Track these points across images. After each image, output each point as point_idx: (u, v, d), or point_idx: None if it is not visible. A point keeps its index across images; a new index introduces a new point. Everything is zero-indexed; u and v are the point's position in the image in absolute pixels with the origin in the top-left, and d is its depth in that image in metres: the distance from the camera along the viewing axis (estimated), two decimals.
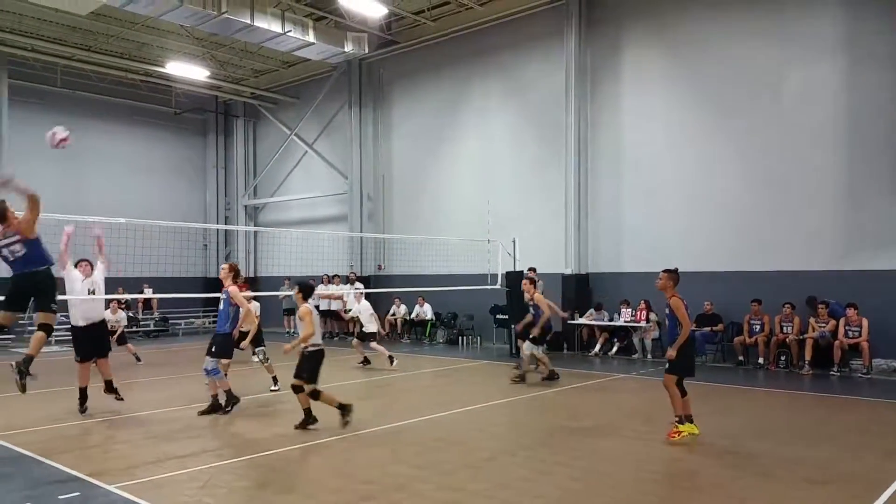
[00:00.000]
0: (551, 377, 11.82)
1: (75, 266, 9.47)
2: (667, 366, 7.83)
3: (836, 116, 13.71)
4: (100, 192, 22.94)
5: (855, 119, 13.49)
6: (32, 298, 7.35)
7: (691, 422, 7.75)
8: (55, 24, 19.48)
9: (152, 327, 22.19)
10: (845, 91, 13.62)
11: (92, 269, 9.61)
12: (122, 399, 9.52)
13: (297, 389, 8.25)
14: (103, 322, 9.61)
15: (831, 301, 13.07)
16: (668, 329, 8.09)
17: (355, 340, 14.23)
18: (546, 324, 11.97)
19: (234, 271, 9.49)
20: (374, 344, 13.78)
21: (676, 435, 7.54)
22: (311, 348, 8.25)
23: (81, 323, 9.23)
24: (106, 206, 20.42)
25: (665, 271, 7.98)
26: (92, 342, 9.24)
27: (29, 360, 6.97)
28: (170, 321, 22.63)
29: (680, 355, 7.66)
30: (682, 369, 7.73)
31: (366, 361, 14.01)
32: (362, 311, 14.08)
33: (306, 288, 8.44)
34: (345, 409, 8.29)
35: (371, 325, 13.95)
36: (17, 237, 7.26)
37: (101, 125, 23.77)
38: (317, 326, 8.30)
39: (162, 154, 25.57)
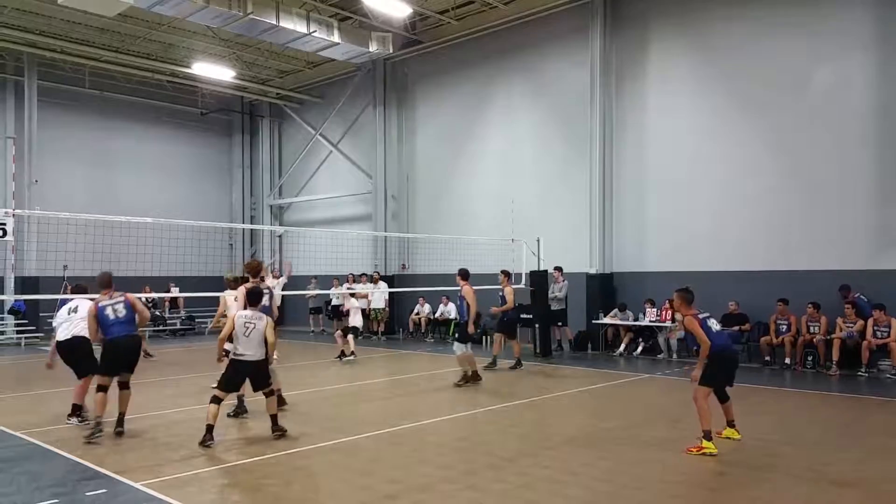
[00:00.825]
0: (474, 378, 11.49)
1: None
2: (699, 379, 7.46)
3: (866, 113, 13.47)
4: (128, 192, 23.31)
5: (886, 116, 13.24)
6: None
7: (733, 426, 7.63)
8: (83, 25, 19.80)
9: (179, 326, 22.48)
10: (876, 87, 13.37)
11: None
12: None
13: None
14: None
15: (858, 295, 12.85)
16: (690, 346, 7.93)
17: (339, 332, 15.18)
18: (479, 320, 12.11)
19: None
20: (350, 337, 14.80)
21: (696, 450, 7.11)
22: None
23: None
24: (134, 205, 20.80)
25: (676, 291, 7.80)
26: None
27: (120, 418, 8.03)
28: (196, 320, 22.90)
29: (707, 368, 7.35)
30: (712, 381, 7.40)
31: (342, 355, 14.81)
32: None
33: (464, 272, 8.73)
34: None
35: (356, 320, 15.00)
36: (122, 299, 8.24)
37: (129, 126, 24.13)
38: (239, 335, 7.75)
39: (188, 154, 25.88)
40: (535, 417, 9.23)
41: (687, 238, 15.68)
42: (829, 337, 12.90)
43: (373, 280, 20.19)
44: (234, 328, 7.71)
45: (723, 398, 7.61)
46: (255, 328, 7.73)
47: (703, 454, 7.01)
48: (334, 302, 21.22)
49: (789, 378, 12.50)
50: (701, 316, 7.52)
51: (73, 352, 8.65)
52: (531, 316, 16.16)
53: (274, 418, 7.90)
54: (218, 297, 11.02)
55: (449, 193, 20.74)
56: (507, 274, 13.97)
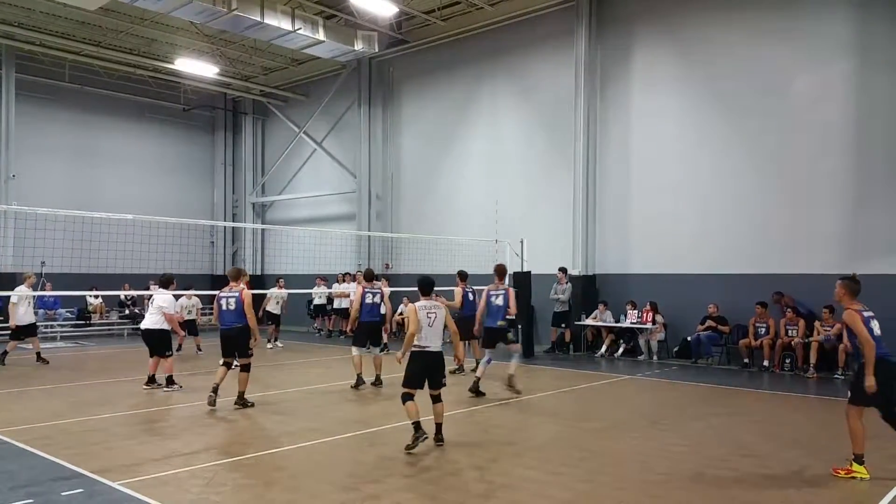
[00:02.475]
0: (357, 383, 11.25)
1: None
2: (849, 395, 6.53)
3: (846, 119, 13.65)
4: (109, 188, 23.07)
5: (865, 122, 13.43)
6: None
7: (861, 463, 6.41)
8: (64, 18, 19.55)
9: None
10: (856, 93, 13.56)
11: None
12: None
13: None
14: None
15: (797, 300, 13.09)
16: (851, 348, 7.03)
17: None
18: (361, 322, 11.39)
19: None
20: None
21: (843, 472, 6.35)
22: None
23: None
24: (115, 201, 20.61)
25: (840, 279, 6.75)
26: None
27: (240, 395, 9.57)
28: None
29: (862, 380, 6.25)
30: (867, 398, 6.27)
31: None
32: None
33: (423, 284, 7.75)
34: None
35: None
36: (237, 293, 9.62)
37: (110, 121, 23.87)
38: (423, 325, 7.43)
39: (170, 151, 25.64)
40: (517, 418, 9.24)
41: (669, 240, 15.79)
42: (807, 340, 13.06)
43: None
44: (418, 321, 7.31)
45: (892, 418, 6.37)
46: (436, 317, 7.46)
47: (853, 478, 6.29)
48: (317, 301, 21.17)
49: (767, 380, 12.64)
50: (866, 314, 6.42)
51: (146, 340, 11.14)
52: (514, 317, 16.16)
53: (439, 427, 7.43)
54: (198, 295, 11.31)
55: (433, 193, 20.73)
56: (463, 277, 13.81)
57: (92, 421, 8.71)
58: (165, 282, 11.48)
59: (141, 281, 18.95)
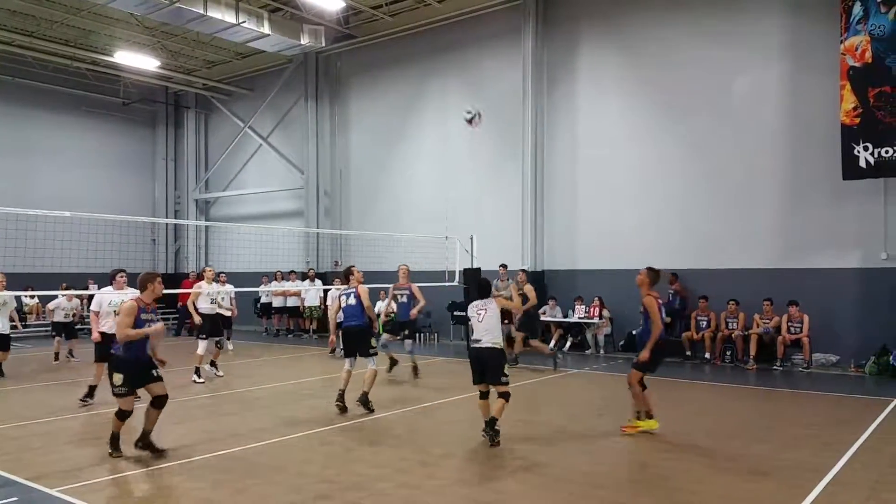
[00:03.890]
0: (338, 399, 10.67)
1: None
2: (634, 361, 8.01)
3: (782, 119, 14.15)
4: (44, 185, 22.20)
5: (797, 123, 13.94)
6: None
7: (651, 417, 7.92)
8: None
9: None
10: (789, 96, 14.05)
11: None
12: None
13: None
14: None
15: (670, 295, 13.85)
16: (642, 327, 8.30)
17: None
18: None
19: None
20: None
21: (632, 430, 7.80)
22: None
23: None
24: (51, 198, 19.83)
25: (647, 268, 8.19)
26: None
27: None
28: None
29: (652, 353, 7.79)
30: (648, 367, 7.85)
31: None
32: None
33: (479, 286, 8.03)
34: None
35: None
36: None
37: (45, 115, 22.99)
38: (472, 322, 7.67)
39: (109, 146, 24.82)
40: (467, 414, 9.28)
41: (615, 237, 16.09)
42: (746, 332, 13.51)
43: (308, 278, 19.91)
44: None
45: (643, 387, 7.95)
46: (486, 313, 7.58)
47: (638, 432, 7.72)
48: (264, 300, 20.88)
49: (709, 372, 13.02)
50: (660, 301, 7.95)
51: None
52: (464, 313, 16.27)
53: (492, 421, 7.40)
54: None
55: (383, 190, 20.65)
56: (525, 272, 13.89)
57: (30, 426, 8.41)
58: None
59: (80, 280, 18.34)
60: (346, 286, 9.85)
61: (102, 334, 9.57)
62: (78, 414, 9.17)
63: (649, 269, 8.20)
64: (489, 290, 7.91)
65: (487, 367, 7.54)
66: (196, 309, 12.15)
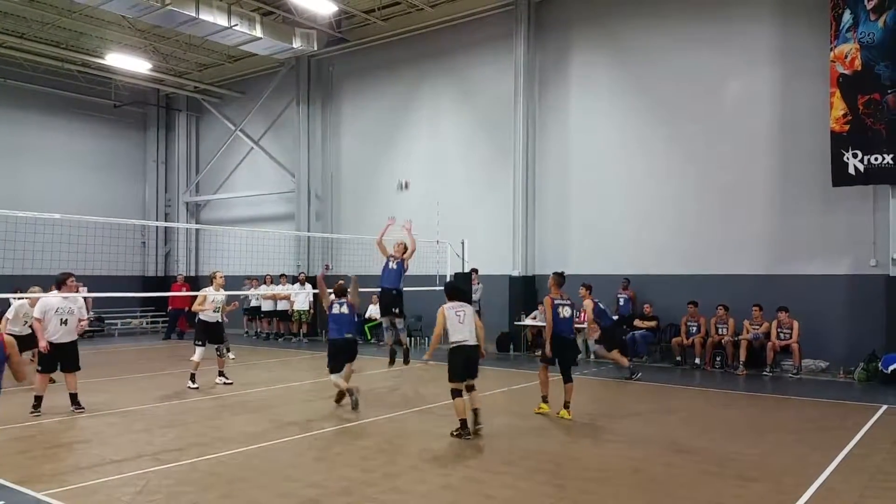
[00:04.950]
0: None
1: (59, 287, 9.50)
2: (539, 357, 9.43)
3: (771, 125, 14.22)
4: (35, 187, 22.05)
5: (788, 129, 14.01)
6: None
7: (545, 401, 9.34)
8: None
9: (87, 328, 21.41)
10: (780, 101, 14.13)
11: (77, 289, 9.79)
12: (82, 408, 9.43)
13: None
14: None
15: (597, 302, 13.46)
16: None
17: None
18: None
19: None
20: None
21: (537, 409, 9.28)
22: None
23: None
24: (41, 200, 19.68)
25: (553, 273, 9.52)
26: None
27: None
28: (105, 321, 21.93)
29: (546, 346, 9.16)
30: (549, 360, 9.22)
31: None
32: None
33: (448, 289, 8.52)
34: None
35: None
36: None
37: (35, 117, 22.86)
38: (453, 323, 8.13)
39: (100, 148, 24.70)
40: (457, 419, 9.26)
41: (606, 241, 16.13)
42: (736, 338, 13.54)
43: (299, 281, 19.84)
44: (444, 321, 8.07)
45: (566, 380, 9.12)
46: (465, 314, 8.17)
47: (542, 413, 9.20)
48: (254, 303, 20.80)
49: (699, 377, 13.04)
50: (557, 302, 9.17)
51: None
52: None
53: (476, 412, 8.01)
54: (129, 298, 10.73)
55: (374, 194, 20.61)
56: (587, 287, 12.92)
57: (15, 430, 8.33)
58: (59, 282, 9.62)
59: None
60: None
61: (49, 344, 9.03)
62: (63, 417, 9.08)
63: (555, 273, 9.54)
64: (463, 294, 8.54)
65: (472, 364, 8.11)
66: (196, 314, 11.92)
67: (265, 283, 20.28)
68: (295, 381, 12.58)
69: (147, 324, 23.50)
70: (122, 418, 9.08)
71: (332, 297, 10.05)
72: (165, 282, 24.11)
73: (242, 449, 7.40)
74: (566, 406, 9.05)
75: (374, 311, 19.03)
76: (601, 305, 12.84)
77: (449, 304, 8.26)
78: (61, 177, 23.12)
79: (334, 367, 9.61)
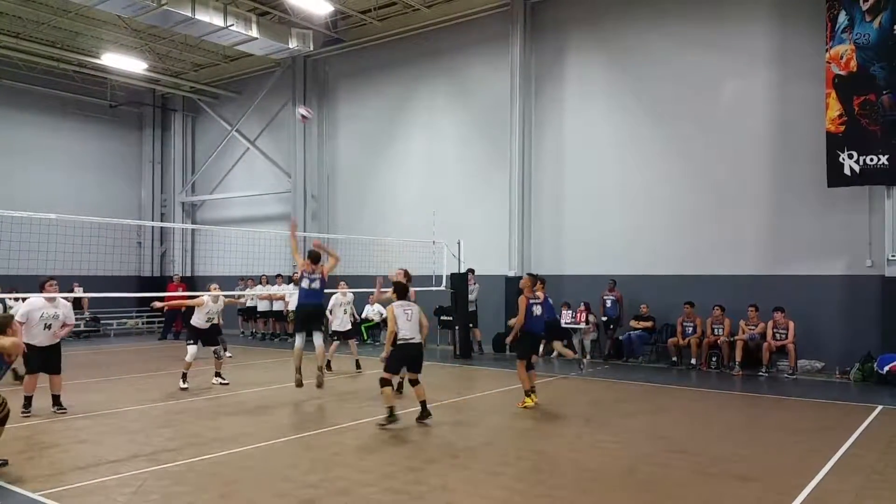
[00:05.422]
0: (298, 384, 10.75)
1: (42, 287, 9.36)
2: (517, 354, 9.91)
3: (768, 127, 14.25)
4: (30, 187, 21.99)
5: (785, 130, 14.05)
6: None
7: (528, 395, 9.68)
8: None
9: (83, 328, 21.39)
10: (777, 103, 14.16)
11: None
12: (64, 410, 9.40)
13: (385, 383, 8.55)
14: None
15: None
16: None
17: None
18: None
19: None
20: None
21: (520, 404, 9.59)
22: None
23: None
24: (36, 200, 19.63)
25: (527, 274, 10.34)
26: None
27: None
28: (101, 321, 21.87)
29: (519, 344, 9.85)
30: (524, 355, 9.84)
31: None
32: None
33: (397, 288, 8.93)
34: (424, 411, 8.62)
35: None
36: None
37: (31, 117, 22.80)
38: (401, 321, 8.61)
39: (96, 148, 24.66)
40: (454, 419, 9.27)
41: (602, 241, 16.14)
42: (732, 338, 13.57)
43: (294, 282, 19.77)
44: (395, 319, 8.52)
45: (528, 368, 9.84)
46: (413, 313, 8.68)
47: (526, 406, 9.54)
48: (249, 303, 20.75)
49: (695, 378, 13.06)
50: (531, 300, 9.70)
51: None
52: (451, 318, 16.29)
53: (423, 404, 8.61)
54: (124, 298, 10.70)
55: (371, 194, 20.62)
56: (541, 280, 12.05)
57: (10, 430, 8.28)
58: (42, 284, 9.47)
59: (64, 283, 18.13)
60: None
61: (33, 346, 8.77)
62: (56, 418, 9.05)
63: (529, 274, 10.33)
64: (407, 293, 9.00)
65: (416, 360, 8.71)
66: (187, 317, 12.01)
67: (261, 283, 20.25)
68: (291, 381, 12.53)
69: (143, 324, 23.45)
70: (119, 418, 9.06)
71: (306, 265, 10.52)
72: (161, 282, 24.05)
73: (239, 449, 7.39)
74: (532, 392, 9.77)
75: (370, 311, 19.06)
76: (550, 301, 12.60)
77: (398, 303, 8.72)
78: (57, 177, 23.06)
79: (301, 329, 10.62)
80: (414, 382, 8.67)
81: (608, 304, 15.39)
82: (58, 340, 9.31)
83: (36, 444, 7.64)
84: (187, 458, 7.03)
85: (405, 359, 8.67)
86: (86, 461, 6.88)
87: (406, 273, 10.38)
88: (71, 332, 11.20)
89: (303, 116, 11.23)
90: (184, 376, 11.31)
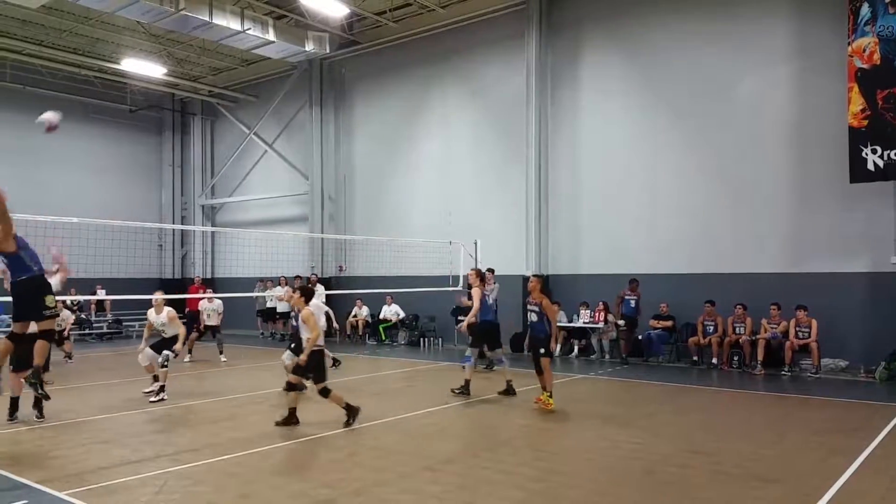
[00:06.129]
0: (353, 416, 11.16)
1: None
2: (542, 352, 9.70)
3: (788, 123, 14.07)
4: (53, 191, 22.30)
5: (806, 126, 13.86)
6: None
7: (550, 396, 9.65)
8: (4, 16, 18.87)
9: (105, 330, 21.66)
10: (797, 98, 13.99)
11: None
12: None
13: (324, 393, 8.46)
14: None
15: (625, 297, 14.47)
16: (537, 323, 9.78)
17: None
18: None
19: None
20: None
21: (539, 401, 9.61)
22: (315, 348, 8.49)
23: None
24: (59, 204, 19.89)
25: (536, 276, 10.24)
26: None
27: (37, 370, 7.12)
28: (123, 323, 22.12)
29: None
30: (552, 353, 10.02)
31: (336, 362, 13.79)
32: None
33: (306, 291, 8.76)
34: (351, 412, 8.53)
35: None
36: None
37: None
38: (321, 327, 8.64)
39: (116, 152, 24.98)
40: (472, 419, 9.26)
41: (620, 240, 16.04)
42: (754, 337, 13.41)
43: (311, 283, 19.84)
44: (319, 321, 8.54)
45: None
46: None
47: (546, 406, 9.45)
48: (269, 305, 20.88)
49: (716, 377, 12.93)
50: (485, 293, 10.44)
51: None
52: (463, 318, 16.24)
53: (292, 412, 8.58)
54: (146, 300, 10.80)
55: (387, 195, 20.66)
56: (479, 273, 11.88)
57: (36, 430, 8.41)
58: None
59: (87, 286, 18.43)
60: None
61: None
62: (79, 419, 9.16)
63: (477, 268, 10.92)
64: (312, 295, 8.85)
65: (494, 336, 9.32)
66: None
67: (280, 284, 20.34)
68: (308, 382, 12.58)
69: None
70: (141, 419, 9.15)
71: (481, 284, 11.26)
72: (183, 284, 24.27)
73: (257, 449, 7.43)
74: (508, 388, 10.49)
75: (387, 311, 19.14)
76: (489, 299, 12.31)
77: (314, 303, 8.86)
78: (79, 181, 23.39)
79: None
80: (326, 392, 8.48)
81: (631, 303, 15.09)
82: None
83: (61, 444, 7.73)
84: (206, 458, 7.08)
85: (320, 365, 8.61)
86: (110, 461, 6.95)
87: (479, 271, 11.16)
88: None
89: (49, 125, 8.74)
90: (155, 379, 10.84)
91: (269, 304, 20.89)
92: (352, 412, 8.46)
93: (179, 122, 26.65)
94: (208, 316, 15.44)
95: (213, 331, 15.60)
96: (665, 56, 15.57)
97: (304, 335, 8.53)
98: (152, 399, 10.37)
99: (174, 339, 10.59)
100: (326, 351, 12.83)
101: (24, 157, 22.32)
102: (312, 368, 8.35)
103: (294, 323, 11.13)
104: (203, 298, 15.93)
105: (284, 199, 23.22)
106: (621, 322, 14.91)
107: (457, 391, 10.65)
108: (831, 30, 13.38)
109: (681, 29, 15.37)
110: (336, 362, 13.43)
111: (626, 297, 15.07)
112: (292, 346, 10.81)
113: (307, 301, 8.56)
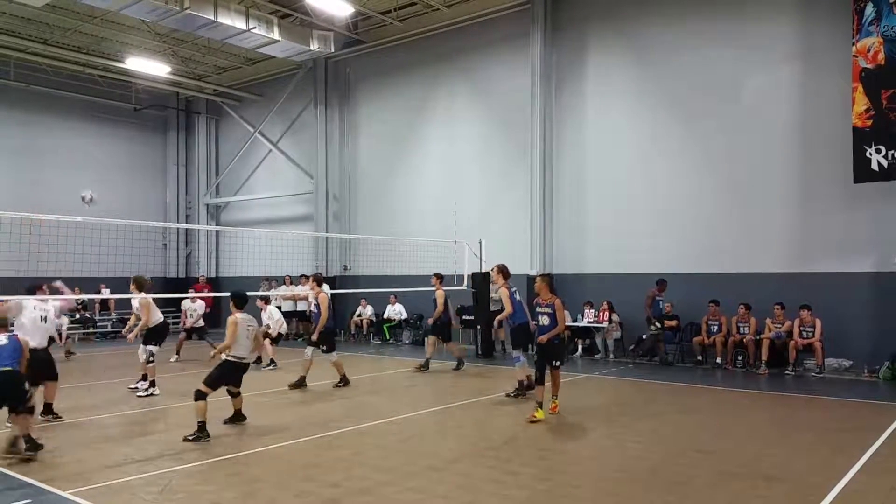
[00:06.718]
0: (345, 382, 11.64)
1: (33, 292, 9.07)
2: (557, 364, 9.17)
3: (792, 122, 14.04)
4: (57, 189, 22.39)
5: (810, 126, 13.82)
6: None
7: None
8: (8, 15, 18.91)
9: (109, 329, 21.71)
10: (802, 98, 13.96)
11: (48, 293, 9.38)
12: (60, 417, 8.94)
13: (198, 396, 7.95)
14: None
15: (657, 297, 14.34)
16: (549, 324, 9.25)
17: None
18: (326, 326, 11.59)
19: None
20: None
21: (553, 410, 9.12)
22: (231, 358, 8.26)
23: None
24: (63, 203, 20.03)
25: (539, 275, 9.95)
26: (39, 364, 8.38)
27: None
28: (127, 322, 22.15)
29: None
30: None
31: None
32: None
33: (239, 297, 8.66)
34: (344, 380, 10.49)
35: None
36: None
37: (58, 121, 23.19)
38: (241, 338, 8.25)
39: (121, 151, 25.02)
40: (476, 418, 9.27)
41: (625, 240, 16.02)
42: (758, 337, 13.40)
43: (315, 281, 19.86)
44: (237, 332, 8.14)
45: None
46: (252, 331, 8.38)
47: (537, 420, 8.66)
48: (274, 304, 20.88)
49: (720, 377, 12.92)
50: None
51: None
52: (473, 317, 16.27)
53: (241, 412, 8.74)
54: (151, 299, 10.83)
55: (391, 194, 20.67)
56: (438, 277, 14.01)
57: (40, 429, 8.43)
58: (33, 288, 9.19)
59: (91, 285, 18.48)
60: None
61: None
62: (83, 418, 9.19)
63: (544, 275, 9.98)
64: (246, 301, 8.73)
65: (240, 377, 8.49)
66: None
67: (285, 283, 20.38)
68: (314, 380, 12.61)
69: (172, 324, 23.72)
70: (145, 417, 9.18)
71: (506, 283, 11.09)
72: (187, 283, 24.32)
73: (262, 448, 7.45)
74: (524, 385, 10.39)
75: (391, 311, 19.16)
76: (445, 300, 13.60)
77: (242, 316, 8.34)
78: (83, 180, 23.46)
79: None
80: (236, 394, 8.66)
81: (660, 305, 14.63)
82: (45, 343, 8.72)
83: (65, 443, 7.76)
84: (212, 456, 7.10)
85: (231, 377, 8.41)
86: (114, 460, 6.98)
87: (502, 267, 11.02)
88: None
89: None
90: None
91: (274, 304, 20.87)
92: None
93: (184, 121, 26.68)
94: (190, 316, 15.45)
95: (199, 332, 15.65)
96: (670, 55, 15.54)
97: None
98: (139, 394, 10.68)
99: (153, 331, 11.06)
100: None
101: (27, 157, 22.41)
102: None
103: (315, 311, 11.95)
104: (203, 298, 16.01)
105: (289, 198, 23.24)
106: (657, 325, 14.40)
107: (511, 394, 10.50)
108: (836, 30, 13.35)
109: (686, 28, 15.35)
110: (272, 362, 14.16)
111: (658, 298, 14.62)
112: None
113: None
